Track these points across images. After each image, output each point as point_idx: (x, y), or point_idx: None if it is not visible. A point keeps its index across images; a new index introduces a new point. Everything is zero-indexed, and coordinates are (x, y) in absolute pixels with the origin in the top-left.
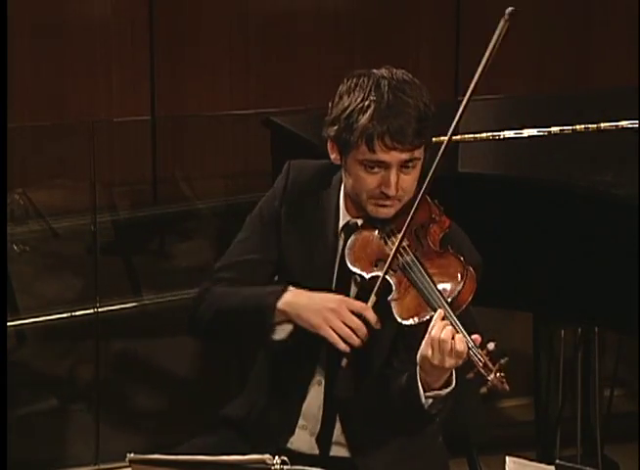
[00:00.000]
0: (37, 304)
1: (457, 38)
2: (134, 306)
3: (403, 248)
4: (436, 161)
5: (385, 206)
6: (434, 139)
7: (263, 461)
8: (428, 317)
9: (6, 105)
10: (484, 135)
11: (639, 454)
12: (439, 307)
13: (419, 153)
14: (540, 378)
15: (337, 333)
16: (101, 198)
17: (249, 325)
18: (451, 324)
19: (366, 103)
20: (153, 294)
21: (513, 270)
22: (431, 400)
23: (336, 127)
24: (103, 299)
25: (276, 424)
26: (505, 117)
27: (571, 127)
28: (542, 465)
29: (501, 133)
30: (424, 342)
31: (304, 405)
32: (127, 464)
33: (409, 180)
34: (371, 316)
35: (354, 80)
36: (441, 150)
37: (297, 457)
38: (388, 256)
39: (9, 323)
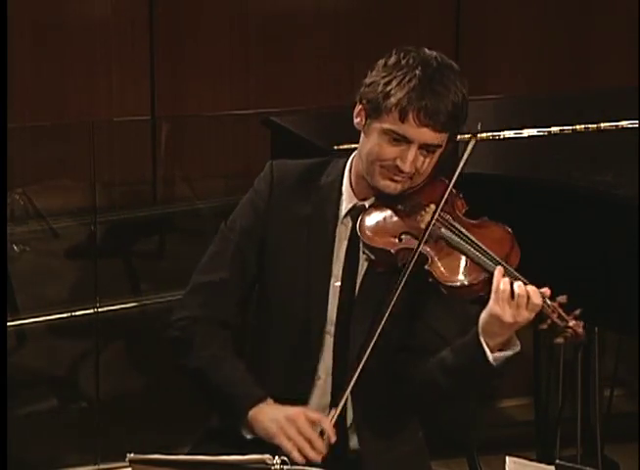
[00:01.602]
0: (37, 304)
1: (457, 38)
2: (134, 306)
3: (436, 220)
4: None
5: (394, 181)
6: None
7: (263, 461)
8: (482, 278)
9: (6, 105)
10: (484, 135)
11: (639, 454)
12: (495, 266)
13: (443, 139)
14: (540, 378)
15: (292, 442)
16: (101, 198)
17: (221, 409)
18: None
19: (409, 76)
20: (153, 294)
21: None
22: (498, 362)
23: (373, 90)
24: (103, 299)
25: None
26: (505, 117)
27: (571, 127)
28: (542, 465)
29: (501, 133)
30: (492, 300)
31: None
32: (127, 464)
33: (426, 163)
34: (328, 427)
35: (402, 54)
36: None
37: None
38: (417, 228)
39: (9, 323)
